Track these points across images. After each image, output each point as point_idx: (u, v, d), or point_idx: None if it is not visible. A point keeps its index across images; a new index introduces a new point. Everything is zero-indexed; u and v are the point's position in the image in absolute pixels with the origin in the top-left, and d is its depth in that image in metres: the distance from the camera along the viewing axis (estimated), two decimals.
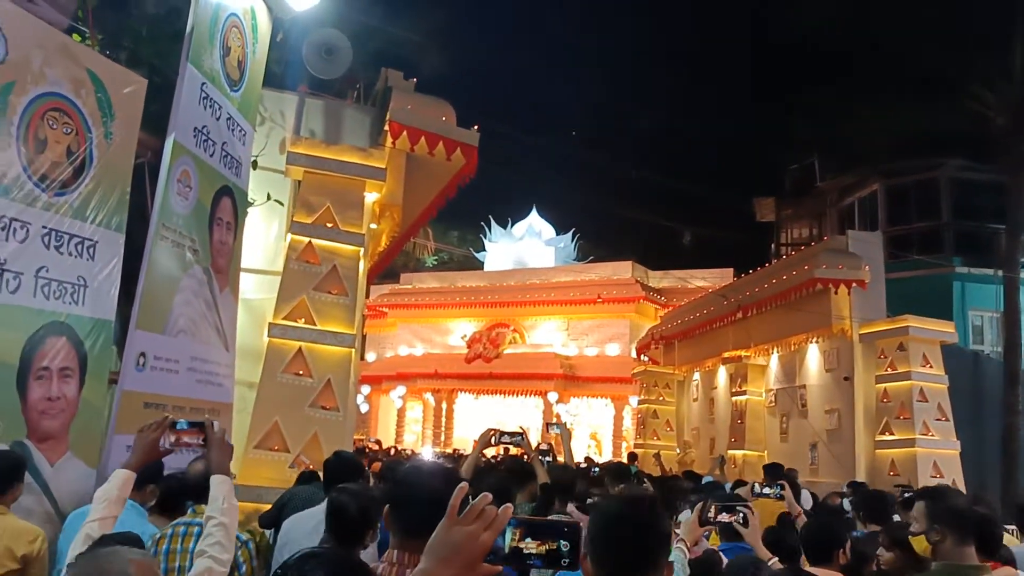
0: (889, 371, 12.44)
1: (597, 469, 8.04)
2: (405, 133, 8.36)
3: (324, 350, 7.62)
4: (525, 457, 5.64)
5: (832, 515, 6.27)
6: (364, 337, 25.32)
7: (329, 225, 7.97)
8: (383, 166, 8.20)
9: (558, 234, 30.33)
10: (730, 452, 15.36)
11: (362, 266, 8.36)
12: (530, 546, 1.35)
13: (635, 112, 49.45)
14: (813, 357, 14.06)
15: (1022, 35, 14.77)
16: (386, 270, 19.76)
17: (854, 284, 12.50)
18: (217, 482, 2.69)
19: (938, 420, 12.13)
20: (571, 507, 5.35)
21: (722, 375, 17.11)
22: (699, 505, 3.45)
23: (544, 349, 25.86)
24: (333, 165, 8.08)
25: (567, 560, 1.34)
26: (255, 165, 7.55)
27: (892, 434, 12.23)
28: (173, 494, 3.92)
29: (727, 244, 29.03)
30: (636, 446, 19.14)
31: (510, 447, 8.88)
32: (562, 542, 1.34)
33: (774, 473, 8.24)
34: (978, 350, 17.37)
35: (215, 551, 2.50)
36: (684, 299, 21.24)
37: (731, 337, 15.89)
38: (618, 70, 54.77)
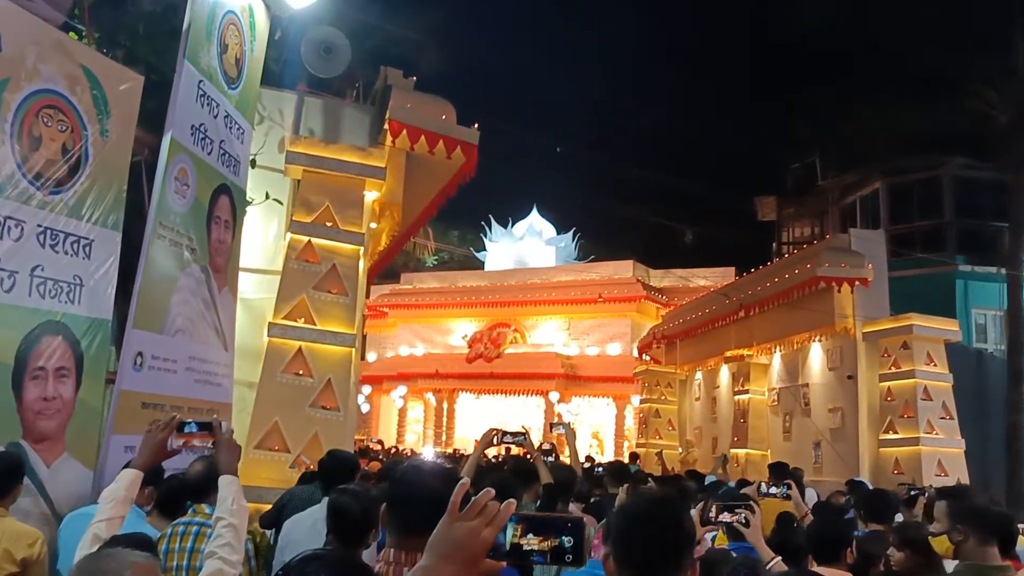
0: (893, 369, 12.38)
1: (601, 469, 7.97)
2: (405, 132, 8.31)
3: (324, 350, 7.57)
4: (528, 457, 5.58)
5: (835, 514, 6.20)
6: (365, 337, 25.29)
7: (328, 224, 7.92)
8: (383, 165, 8.15)
9: (559, 233, 30.28)
10: (733, 451, 15.30)
11: (362, 265, 8.31)
12: (532, 542, 1.31)
13: (636, 111, 49.51)
14: (816, 356, 14.00)
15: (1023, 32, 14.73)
16: (386, 270, 19.73)
17: (857, 282, 12.45)
18: (226, 483, 2.65)
19: (943, 419, 12.08)
20: (572, 507, 5.30)
21: (724, 374, 17.05)
22: (700, 505, 3.40)
23: (545, 349, 25.81)
24: (332, 164, 8.03)
25: (571, 556, 1.30)
26: (253, 164, 7.50)
27: (896, 433, 12.17)
28: (173, 494, 3.88)
29: (728, 243, 29.03)
30: (638, 445, 19.09)
31: (512, 447, 8.83)
32: (565, 538, 1.30)
33: (779, 472, 8.17)
34: (981, 348, 17.31)
35: (225, 552, 2.46)
36: (685, 298, 21.19)
37: (733, 336, 15.83)
38: (619, 69, 54.79)
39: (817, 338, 13.51)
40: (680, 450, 18.40)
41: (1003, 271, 15.33)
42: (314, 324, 7.54)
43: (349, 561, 1.49)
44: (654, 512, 1.80)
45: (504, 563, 1.32)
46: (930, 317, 12.53)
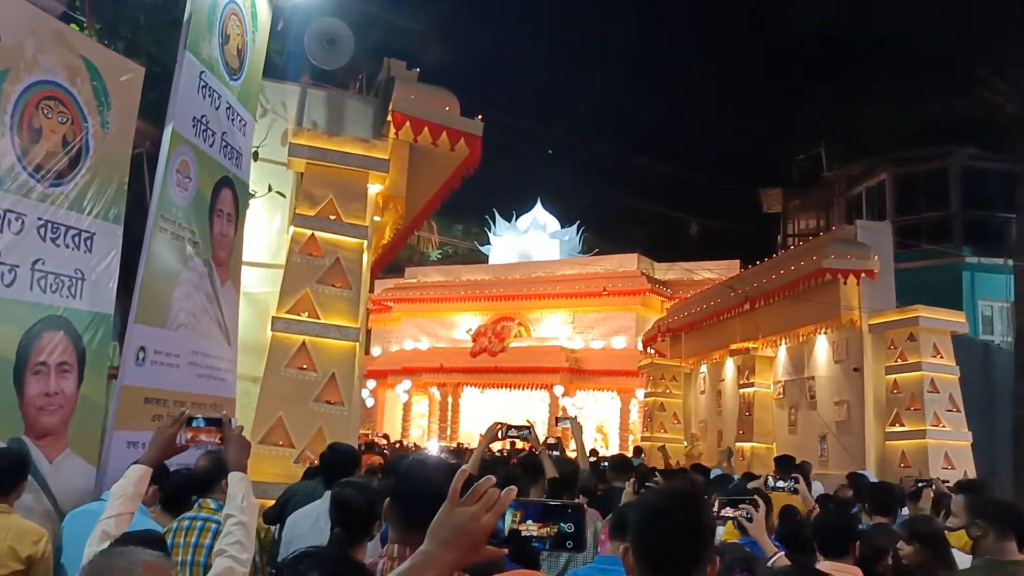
0: (899, 362, 12.33)
1: (607, 464, 7.94)
2: (408, 123, 8.27)
3: (328, 344, 7.55)
4: (535, 451, 5.54)
5: (840, 508, 6.16)
6: (369, 332, 25.28)
7: (332, 217, 7.89)
8: (386, 157, 8.11)
9: (563, 227, 30.18)
10: (738, 444, 15.27)
11: (366, 259, 8.28)
12: (531, 528, 1.33)
13: (641, 103, 49.32)
14: (822, 348, 13.94)
15: None
16: (390, 264, 19.71)
17: (863, 274, 12.38)
18: (236, 479, 2.60)
19: (949, 411, 12.02)
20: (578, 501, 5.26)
21: (729, 367, 17.00)
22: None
23: (550, 342, 25.75)
24: (336, 156, 8.00)
25: (572, 542, 1.33)
26: (256, 156, 7.45)
27: (903, 425, 12.12)
28: (177, 490, 3.85)
29: (733, 236, 28.93)
30: (643, 439, 19.07)
31: (517, 441, 8.79)
32: (565, 524, 1.33)
33: (785, 465, 8.13)
34: (988, 340, 17.22)
35: (235, 550, 2.41)
36: (690, 291, 21.12)
37: (738, 329, 15.78)
38: (624, 61, 54.60)
39: (823, 330, 13.45)
40: (685, 444, 18.37)
41: (1010, 262, 15.21)
42: (318, 318, 7.52)
43: (342, 559, 1.48)
44: (673, 507, 1.78)
45: (506, 550, 1.33)
46: (937, 309, 12.47)
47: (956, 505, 2.96)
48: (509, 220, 30.77)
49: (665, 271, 26.54)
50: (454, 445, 21.25)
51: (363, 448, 10.72)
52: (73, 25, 5.75)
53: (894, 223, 17.03)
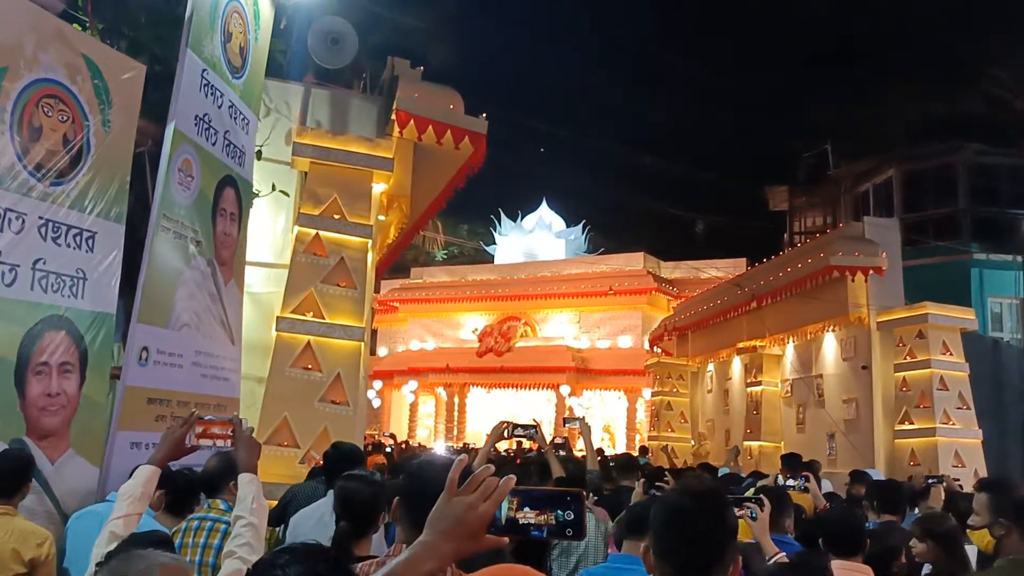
0: (908, 359, 12.24)
1: (613, 463, 7.90)
2: (412, 122, 8.25)
3: (333, 344, 7.51)
4: (542, 451, 5.49)
5: (853, 504, 6.10)
6: (375, 332, 25.27)
7: (336, 217, 7.86)
8: (390, 156, 8.07)
9: (568, 226, 30.13)
10: (746, 443, 15.19)
11: (371, 258, 8.25)
12: (528, 516, 1.32)
13: (645, 101, 49.20)
14: (830, 346, 13.85)
15: None
16: (396, 264, 19.67)
17: (871, 271, 12.29)
18: (245, 481, 2.57)
19: (959, 408, 11.93)
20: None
21: (737, 366, 16.92)
22: None
23: (556, 342, 25.71)
24: (340, 156, 7.97)
25: (571, 530, 1.31)
26: (259, 156, 7.41)
27: (912, 423, 12.03)
28: (181, 492, 3.82)
29: (740, 234, 28.83)
30: (650, 438, 18.99)
31: (523, 440, 8.74)
32: (563, 512, 1.31)
33: (792, 463, 8.04)
34: (997, 337, 17.09)
35: (244, 552, 2.39)
36: (697, 290, 21.05)
37: (745, 327, 15.70)
38: (628, 59, 54.46)
39: (831, 328, 13.36)
40: (692, 443, 18.29)
41: (1019, 259, 15.13)
42: (323, 318, 7.49)
43: (321, 553, 1.46)
44: (696, 505, 1.76)
45: (507, 539, 1.32)
46: (945, 306, 12.38)
47: (979, 503, 2.89)
48: (514, 220, 30.75)
49: (671, 270, 26.47)
50: (460, 445, 21.22)
51: (370, 449, 10.68)
52: (75, 24, 5.72)
53: (902, 220, 16.90)
